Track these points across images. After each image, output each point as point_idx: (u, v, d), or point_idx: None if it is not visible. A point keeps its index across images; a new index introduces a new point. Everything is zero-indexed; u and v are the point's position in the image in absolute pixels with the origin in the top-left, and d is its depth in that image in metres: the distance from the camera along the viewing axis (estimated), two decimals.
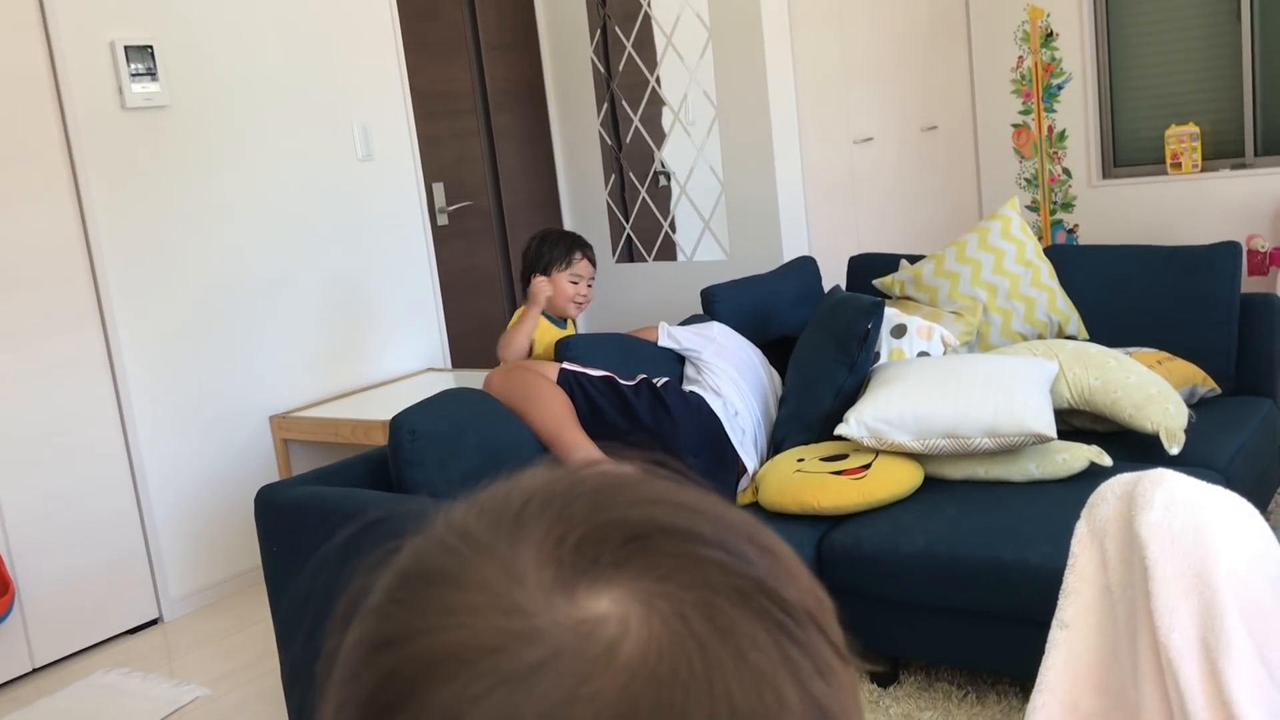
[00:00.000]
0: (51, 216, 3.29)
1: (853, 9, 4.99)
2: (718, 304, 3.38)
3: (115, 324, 3.41)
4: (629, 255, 5.02)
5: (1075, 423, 2.93)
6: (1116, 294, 3.34)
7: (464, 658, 0.37)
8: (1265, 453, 3.01)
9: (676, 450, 2.69)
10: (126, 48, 3.41)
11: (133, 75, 3.43)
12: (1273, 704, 0.91)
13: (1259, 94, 5.29)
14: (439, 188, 4.56)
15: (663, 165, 4.85)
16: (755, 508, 2.74)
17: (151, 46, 3.48)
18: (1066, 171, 5.72)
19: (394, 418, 2.47)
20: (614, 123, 4.95)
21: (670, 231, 4.89)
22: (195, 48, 3.61)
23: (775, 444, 3.00)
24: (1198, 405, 3.01)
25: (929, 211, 5.52)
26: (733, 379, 3.02)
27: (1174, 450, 2.61)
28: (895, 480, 2.63)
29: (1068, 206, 5.74)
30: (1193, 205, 5.38)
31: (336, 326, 4.03)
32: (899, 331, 3.12)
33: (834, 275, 4.06)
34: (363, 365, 4.12)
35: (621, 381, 2.83)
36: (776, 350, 3.28)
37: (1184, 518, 0.98)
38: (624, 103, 4.89)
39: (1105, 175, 5.67)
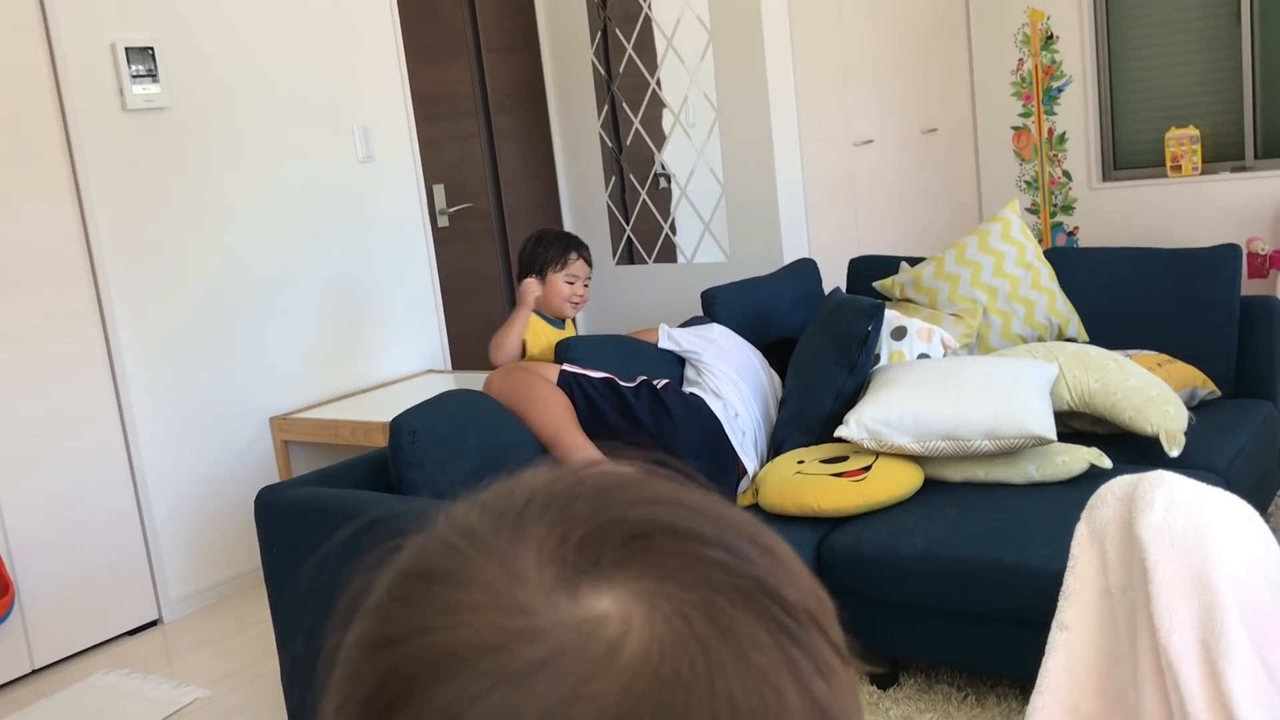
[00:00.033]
0: (52, 217, 3.29)
1: (853, 11, 4.99)
2: (718, 306, 3.38)
3: (115, 325, 3.41)
4: (629, 257, 5.02)
5: (1075, 425, 2.93)
6: (1116, 296, 3.34)
7: (465, 656, 0.37)
8: (1265, 455, 3.01)
9: (676, 452, 2.69)
10: (127, 49, 3.42)
11: (133, 76, 3.43)
12: (1273, 706, 0.91)
13: (1259, 97, 5.30)
14: (439, 189, 4.56)
15: (663, 167, 4.85)
16: (755, 509, 2.74)
17: (152, 48, 3.48)
18: (1066, 174, 5.72)
19: (394, 419, 2.47)
20: (614, 125, 4.95)
21: (670, 233, 4.89)
22: (196, 49, 3.62)
23: (775, 446, 3.00)
24: (1198, 408, 3.01)
25: (929, 214, 5.53)
26: (733, 381, 3.02)
27: (1174, 453, 2.61)
28: (895, 482, 2.63)
29: (1068, 209, 5.74)
30: (1193, 208, 5.38)
31: (337, 328, 4.03)
32: (899, 334, 3.12)
33: (834, 277, 4.06)
34: (363, 367, 4.12)
35: (622, 383, 2.83)
36: (776, 352, 3.28)
37: (1184, 520, 0.98)
38: (624, 105, 4.90)
39: (1105, 178, 5.67)
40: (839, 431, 2.74)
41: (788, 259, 4.43)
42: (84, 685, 3.13)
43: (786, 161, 4.54)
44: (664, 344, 3.14)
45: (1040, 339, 3.33)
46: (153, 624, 3.54)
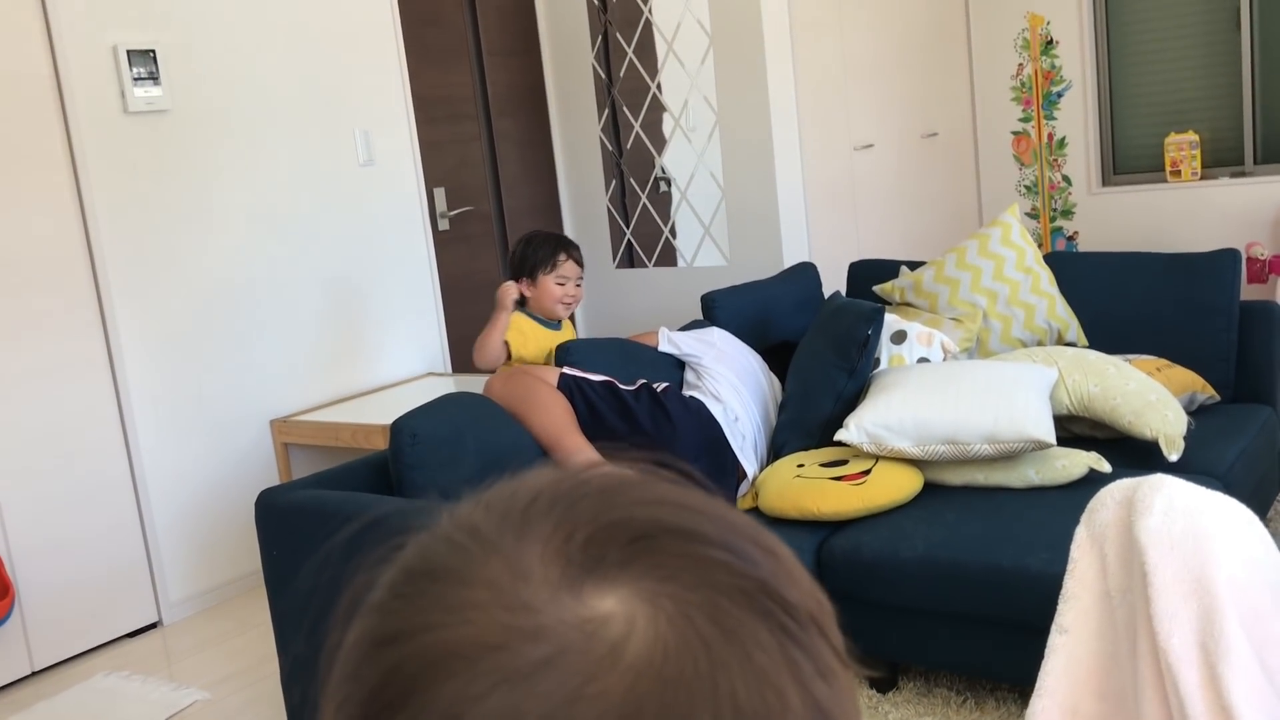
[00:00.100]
0: (53, 220, 3.30)
1: (853, 16, 5.00)
2: (718, 309, 3.38)
3: (116, 327, 3.41)
4: (629, 261, 5.02)
5: (1074, 429, 2.93)
6: (1116, 301, 3.34)
7: (467, 655, 0.37)
8: (1264, 459, 3.01)
9: (676, 455, 2.69)
10: (129, 52, 3.42)
11: (135, 79, 3.43)
12: (1272, 709, 0.91)
13: (1258, 102, 5.30)
14: (440, 193, 4.57)
15: (663, 171, 4.86)
16: (755, 513, 2.74)
17: (154, 50, 3.48)
18: (1066, 179, 5.73)
19: (395, 422, 2.47)
20: (615, 128, 4.96)
21: (670, 237, 4.89)
22: (197, 52, 3.62)
23: (775, 449, 3.00)
24: (1197, 412, 3.01)
25: (929, 218, 5.53)
26: (733, 384, 3.03)
27: (1173, 457, 2.61)
28: (895, 486, 2.63)
29: (1067, 213, 5.75)
30: (1192, 213, 5.39)
31: (337, 330, 4.04)
32: (899, 338, 3.12)
33: (834, 281, 4.07)
34: (363, 369, 4.12)
35: (622, 386, 2.83)
36: (776, 356, 3.29)
37: (1183, 523, 0.98)
38: (625, 108, 4.90)
39: (1105, 182, 5.68)
40: (839, 435, 2.74)
41: (788, 263, 4.43)
42: (84, 687, 3.12)
43: (787, 165, 4.54)
44: (664, 347, 3.14)
45: (1040, 343, 3.33)
46: (153, 626, 3.53)
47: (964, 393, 2.67)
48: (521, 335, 3.13)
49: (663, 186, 4.87)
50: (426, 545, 0.41)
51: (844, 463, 2.73)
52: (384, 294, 4.19)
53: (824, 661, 0.40)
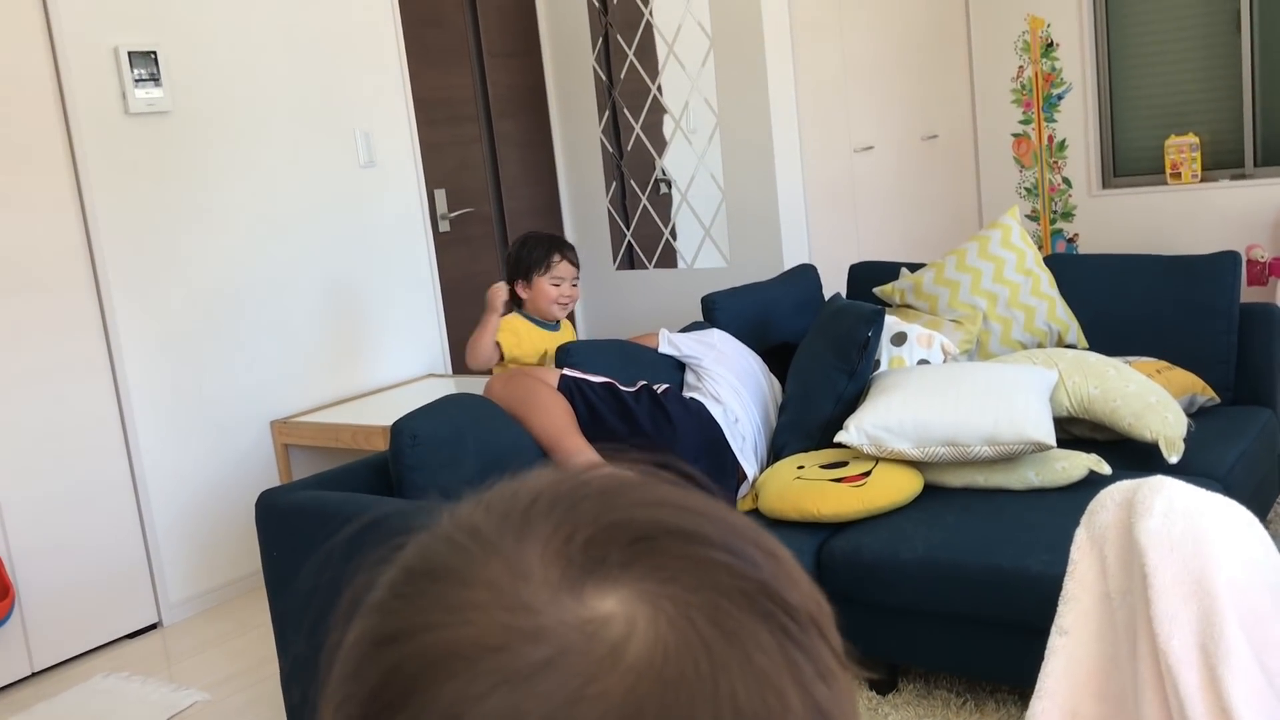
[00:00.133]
0: (54, 221, 3.30)
1: (853, 18, 5.00)
2: (718, 311, 3.38)
3: (117, 328, 3.41)
4: (630, 262, 5.02)
5: (1074, 431, 2.93)
6: (1116, 303, 3.35)
7: (467, 655, 0.37)
8: (1264, 462, 3.01)
9: (676, 456, 2.69)
10: (130, 53, 3.42)
11: (136, 80, 3.43)
12: (1272, 711, 0.91)
13: (1258, 104, 5.30)
14: (440, 194, 4.57)
15: (664, 173, 4.86)
16: (755, 515, 2.74)
17: (155, 52, 3.48)
18: (1066, 181, 5.73)
19: (395, 423, 2.47)
20: (615, 130, 4.96)
21: (671, 239, 4.89)
22: (198, 53, 3.62)
23: (775, 451, 3.00)
24: (1197, 415, 3.01)
25: (929, 220, 5.53)
26: (733, 386, 3.03)
27: (1173, 459, 2.61)
28: (895, 488, 2.63)
29: (1068, 216, 5.75)
30: (1192, 215, 5.39)
31: (338, 332, 4.04)
32: (899, 339, 3.12)
33: (834, 283, 4.07)
34: (364, 371, 4.12)
35: (622, 388, 2.83)
36: (776, 357, 3.29)
37: (1183, 525, 0.98)
38: (625, 110, 4.90)
39: (1105, 185, 5.68)
40: (839, 437, 2.74)
41: (788, 264, 4.43)
42: (84, 688, 3.12)
43: (787, 167, 4.54)
44: (664, 349, 3.14)
45: (1040, 345, 3.33)
46: (153, 627, 3.53)
47: (964, 395, 2.67)
48: (516, 336, 3.13)
49: (663, 188, 4.87)
50: (427, 545, 0.41)
51: (844, 464, 2.73)
52: (384, 295, 4.19)
53: (824, 663, 0.40)
